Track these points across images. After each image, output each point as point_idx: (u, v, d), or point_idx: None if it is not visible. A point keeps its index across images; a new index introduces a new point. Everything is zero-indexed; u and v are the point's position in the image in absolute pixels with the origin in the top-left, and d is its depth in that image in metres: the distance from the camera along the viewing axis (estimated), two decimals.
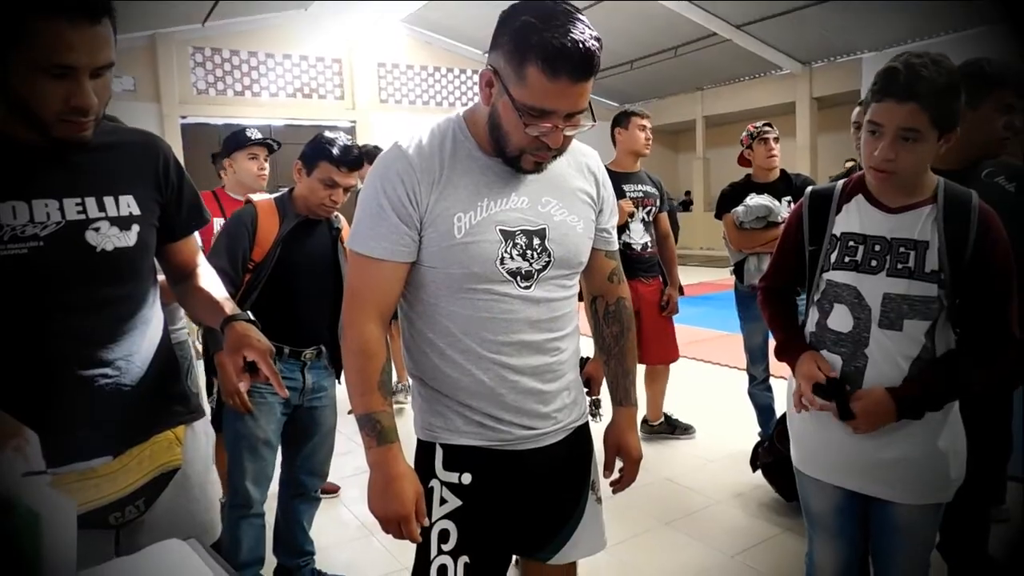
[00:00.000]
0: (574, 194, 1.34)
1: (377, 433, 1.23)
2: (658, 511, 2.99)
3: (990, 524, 2.27)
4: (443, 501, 1.32)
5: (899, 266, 1.43)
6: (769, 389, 3.43)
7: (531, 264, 1.26)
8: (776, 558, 2.57)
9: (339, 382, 2.20)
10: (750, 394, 3.48)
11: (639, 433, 1.53)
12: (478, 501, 1.32)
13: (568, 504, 1.43)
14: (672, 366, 3.83)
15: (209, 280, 1.41)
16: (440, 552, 1.32)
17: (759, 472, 3.06)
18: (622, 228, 3.46)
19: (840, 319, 1.50)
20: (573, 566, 1.51)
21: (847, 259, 1.48)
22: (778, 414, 3.11)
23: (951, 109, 1.36)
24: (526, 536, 1.41)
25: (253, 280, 2.09)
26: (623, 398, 1.51)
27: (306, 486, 2.31)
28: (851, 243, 1.49)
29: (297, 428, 2.23)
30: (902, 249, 1.43)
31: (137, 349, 1.24)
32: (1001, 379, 1.48)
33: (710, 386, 4.96)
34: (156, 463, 1.27)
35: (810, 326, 1.58)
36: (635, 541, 2.74)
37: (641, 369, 3.66)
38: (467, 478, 1.32)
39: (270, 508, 2.27)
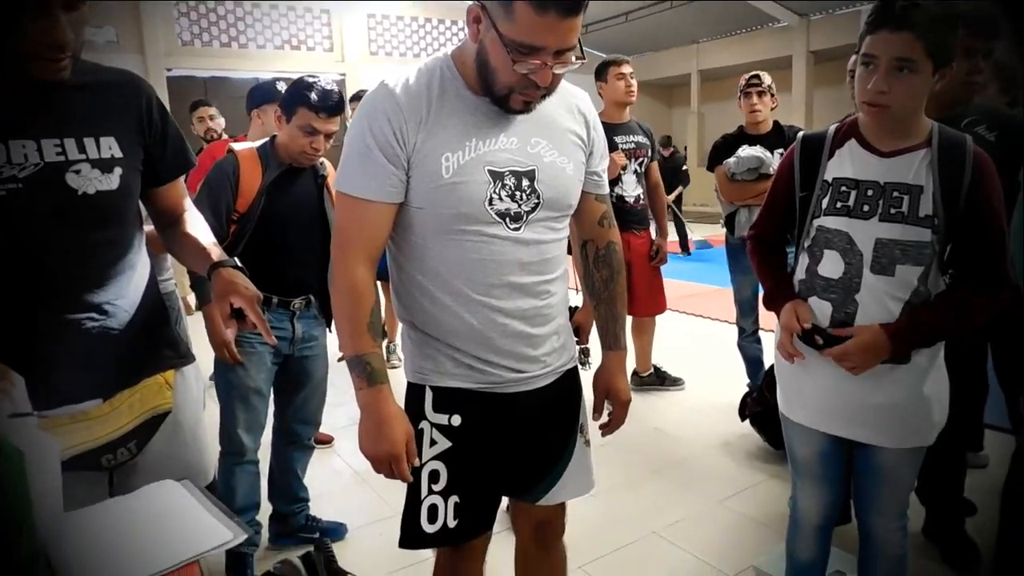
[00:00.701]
0: (564, 135, 1.32)
1: (367, 375, 1.24)
2: (647, 460, 3.05)
3: (966, 468, 2.33)
4: (433, 442, 1.34)
5: (892, 211, 1.42)
6: (758, 341, 3.47)
7: (520, 206, 1.25)
8: (762, 503, 2.63)
9: (330, 331, 2.21)
10: (739, 346, 3.51)
11: (628, 381, 1.54)
12: (468, 442, 1.34)
13: (556, 446, 1.45)
14: (663, 320, 3.86)
15: (196, 226, 1.39)
16: (431, 492, 1.34)
17: (747, 422, 3.11)
18: (615, 181, 3.43)
19: (831, 265, 1.49)
20: (562, 507, 1.54)
21: (839, 204, 1.47)
22: (767, 366, 3.14)
23: (947, 41, 1.33)
24: (515, 477, 1.43)
25: (239, 231, 2.07)
26: (612, 342, 1.51)
27: (299, 434, 2.34)
28: (843, 188, 1.47)
29: (288, 378, 2.24)
30: (895, 194, 1.42)
31: (124, 294, 1.24)
32: (993, 319, 1.49)
33: (700, 339, 5.00)
34: (147, 406, 1.28)
35: (799, 273, 1.58)
36: (624, 488, 2.79)
37: (629, 321, 3.69)
38: (457, 420, 1.33)
39: (265, 457, 2.30)
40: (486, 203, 1.23)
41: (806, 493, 1.69)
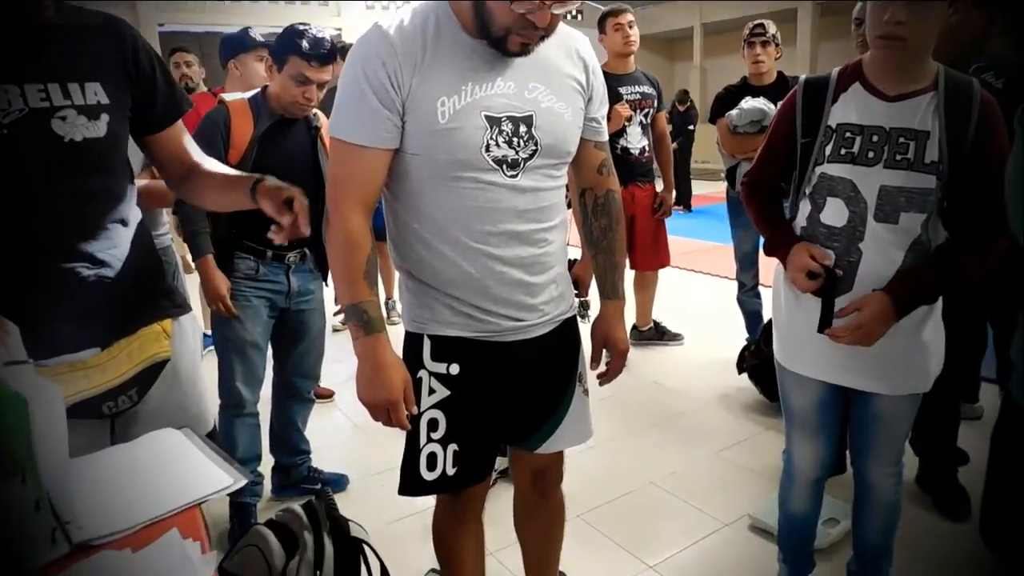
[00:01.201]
0: (563, 80, 1.29)
1: (364, 323, 1.23)
2: (645, 412, 3.08)
3: (959, 419, 2.36)
4: (432, 391, 1.35)
5: (897, 157, 1.40)
6: (758, 296, 3.47)
7: (517, 152, 1.23)
8: (758, 455, 2.66)
9: (326, 284, 2.21)
10: (739, 301, 3.52)
11: (627, 331, 1.54)
12: (466, 391, 1.35)
13: (554, 395, 1.46)
14: (663, 275, 3.86)
15: (215, 163, 1.37)
16: (430, 440, 1.35)
17: (744, 375, 3.14)
18: (619, 132, 3.39)
19: (834, 213, 1.48)
20: (560, 455, 1.56)
21: (843, 151, 1.45)
22: (766, 320, 3.16)
23: None
24: (514, 425, 1.44)
25: None
26: (610, 292, 1.50)
27: (298, 387, 2.35)
28: (848, 134, 1.45)
29: (286, 332, 2.25)
30: (901, 140, 1.40)
31: (118, 243, 1.23)
32: (994, 269, 1.49)
33: (700, 294, 5.01)
34: (145, 354, 1.28)
35: (800, 220, 1.56)
36: (622, 440, 2.82)
37: (631, 275, 3.69)
38: (455, 368, 1.34)
39: (265, 411, 2.32)
40: (483, 149, 1.21)
41: (801, 445, 1.69)
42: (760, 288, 3.44)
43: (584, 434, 1.52)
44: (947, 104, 1.38)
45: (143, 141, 1.29)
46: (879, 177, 1.41)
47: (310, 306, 2.24)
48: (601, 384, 1.52)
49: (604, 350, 1.51)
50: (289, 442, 2.41)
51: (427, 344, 1.34)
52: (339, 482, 2.50)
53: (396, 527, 2.28)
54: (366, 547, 1.68)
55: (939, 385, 2.36)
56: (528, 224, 1.29)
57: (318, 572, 1.58)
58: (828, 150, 1.47)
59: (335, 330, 3.94)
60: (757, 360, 3.01)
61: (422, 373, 1.34)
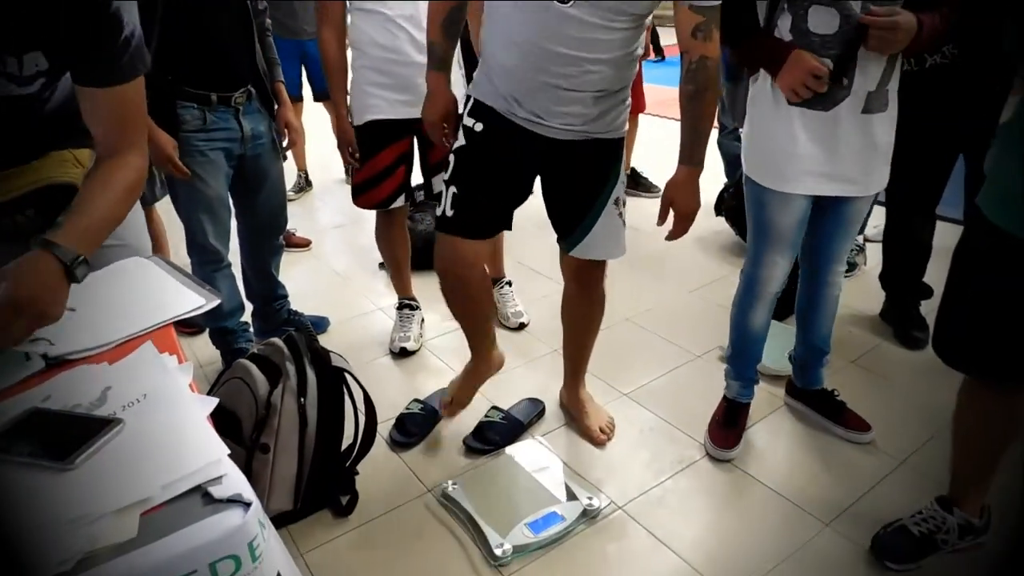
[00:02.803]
0: None
1: (435, 60, 1.67)
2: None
3: (928, 254, 2.41)
4: (456, 139, 1.63)
5: None
6: (738, 139, 3.39)
7: None
8: (731, 293, 2.67)
9: (273, 121, 2.11)
10: (719, 144, 3.45)
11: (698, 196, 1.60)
12: (479, 146, 1.60)
13: (582, 203, 1.66)
14: (642, 123, 3.75)
15: (114, 181, 1.09)
16: (444, 180, 1.65)
17: (721, 219, 3.16)
18: None
19: (822, 21, 1.45)
20: (596, 264, 1.77)
21: None
22: None
23: None
24: (554, 217, 1.73)
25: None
26: (686, 158, 1.55)
27: (267, 236, 2.29)
28: None
29: (245, 181, 2.13)
30: None
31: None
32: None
33: (675, 142, 4.91)
34: (44, 175, 1.19)
35: (783, 35, 1.51)
36: None
37: None
38: (479, 127, 1.59)
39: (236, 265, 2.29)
40: None
41: (774, 263, 1.75)
42: (741, 131, 3.37)
43: (614, 251, 1.74)
44: None
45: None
46: None
47: (265, 149, 2.12)
48: (667, 240, 1.62)
49: (670, 211, 1.58)
50: (265, 288, 2.38)
51: (470, 102, 1.62)
52: (320, 324, 2.53)
53: (377, 365, 2.35)
54: (348, 376, 1.73)
55: (911, 222, 2.41)
56: (569, 49, 1.42)
57: (302, 399, 1.64)
58: None
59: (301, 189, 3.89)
60: (735, 202, 3.01)
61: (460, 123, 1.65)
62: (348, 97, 2.17)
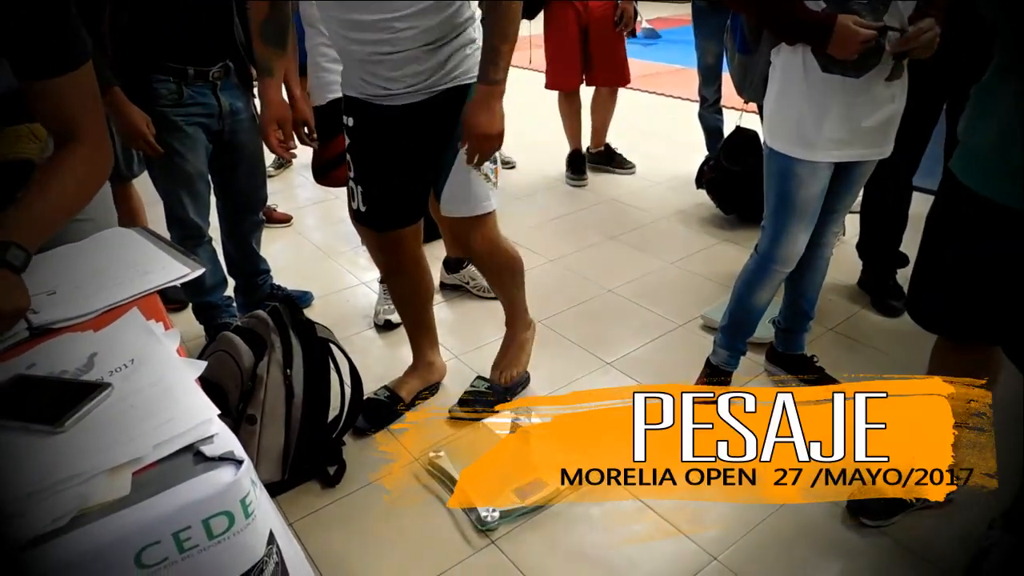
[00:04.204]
0: None
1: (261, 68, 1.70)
2: (603, 227, 3.13)
3: (905, 223, 2.45)
4: (346, 139, 1.71)
5: None
6: (719, 112, 3.41)
7: None
8: (712, 264, 2.76)
9: (253, 96, 2.08)
10: (700, 117, 3.45)
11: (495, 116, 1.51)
12: (359, 140, 1.68)
13: (435, 157, 1.67)
14: (623, 98, 3.73)
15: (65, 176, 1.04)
16: (350, 178, 1.76)
17: (702, 192, 3.17)
18: None
19: None
20: (468, 226, 1.73)
21: None
22: (727, 135, 3.13)
23: None
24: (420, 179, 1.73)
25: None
26: (482, 75, 1.47)
27: (246, 210, 2.26)
28: None
29: (224, 158, 2.10)
30: None
31: None
32: None
33: (658, 116, 4.94)
34: (0, 152, 1.16)
35: (818, 3, 1.50)
36: (581, 253, 2.89)
37: (588, 92, 3.58)
38: (351, 121, 1.68)
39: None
40: None
41: (795, 237, 1.73)
42: (723, 105, 3.38)
43: (467, 208, 1.68)
44: None
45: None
46: None
47: (243, 125, 2.08)
48: (467, 163, 1.60)
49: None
50: (247, 264, 2.36)
51: (343, 101, 1.68)
52: (304, 298, 2.53)
53: (362, 337, 2.36)
54: (333, 347, 1.74)
55: (887, 192, 2.43)
56: (371, 14, 1.45)
57: (288, 370, 1.64)
58: None
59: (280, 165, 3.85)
60: (715, 173, 3.03)
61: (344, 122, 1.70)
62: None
